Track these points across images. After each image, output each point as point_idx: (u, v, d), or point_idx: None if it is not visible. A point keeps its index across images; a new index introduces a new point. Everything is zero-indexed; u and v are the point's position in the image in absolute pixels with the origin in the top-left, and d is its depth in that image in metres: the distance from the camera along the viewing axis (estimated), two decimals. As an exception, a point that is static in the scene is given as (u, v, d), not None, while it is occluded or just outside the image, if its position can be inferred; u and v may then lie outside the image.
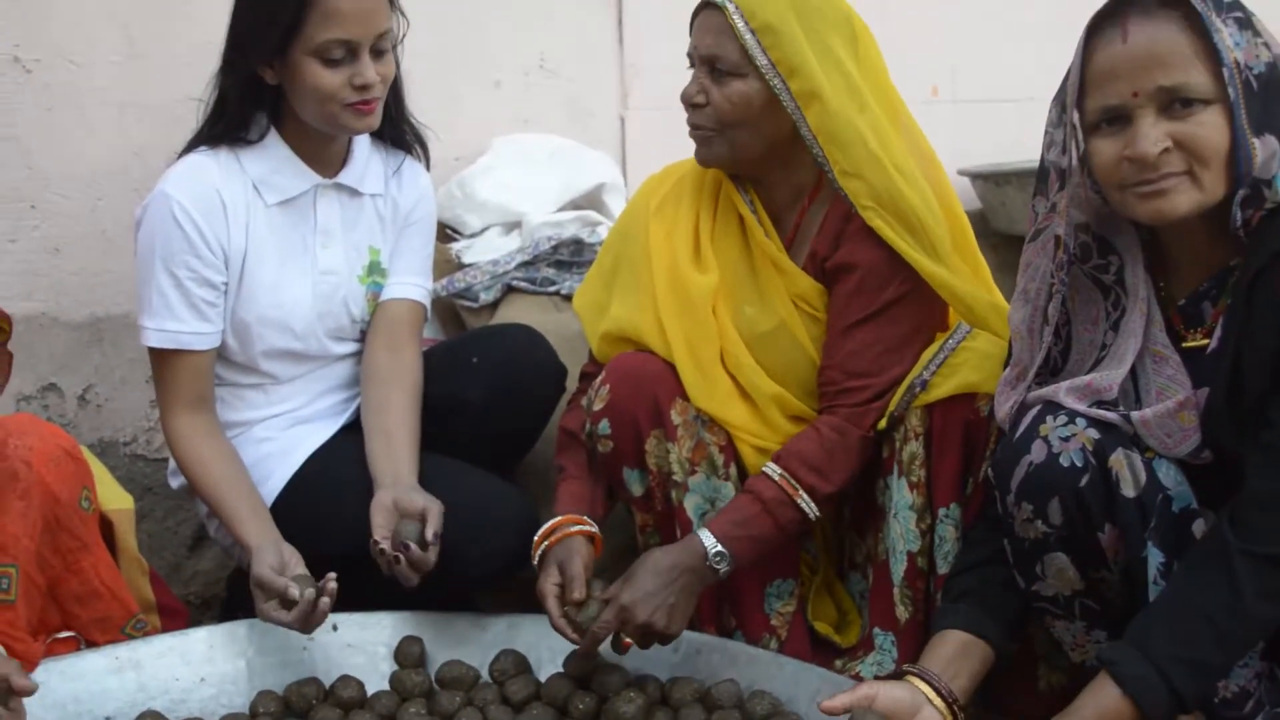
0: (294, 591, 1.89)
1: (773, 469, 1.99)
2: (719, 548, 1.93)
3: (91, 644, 1.99)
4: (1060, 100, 1.72)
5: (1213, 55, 1.57)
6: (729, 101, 2.01)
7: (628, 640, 1.91)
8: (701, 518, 2.06)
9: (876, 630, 2.06)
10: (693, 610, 1.95)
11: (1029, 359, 1.80)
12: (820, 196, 2.10)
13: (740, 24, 1.99)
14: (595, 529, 2.04)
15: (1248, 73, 1.58)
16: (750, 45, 1.99)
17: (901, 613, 2.02)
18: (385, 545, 1.96)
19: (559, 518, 2.04)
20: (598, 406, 2.07)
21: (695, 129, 2.07)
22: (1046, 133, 1.75)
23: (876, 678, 1.95)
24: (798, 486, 1.97)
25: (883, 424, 2.01)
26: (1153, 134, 1.58)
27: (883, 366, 2.02)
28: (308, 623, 1.92)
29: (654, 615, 1.87)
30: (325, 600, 1.91)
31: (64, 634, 1.98)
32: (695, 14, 2.07)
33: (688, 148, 2.12)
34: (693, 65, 2.07)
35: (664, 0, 3.20)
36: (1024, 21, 3.92)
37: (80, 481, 1.94)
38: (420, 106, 2.33)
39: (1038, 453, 1.69)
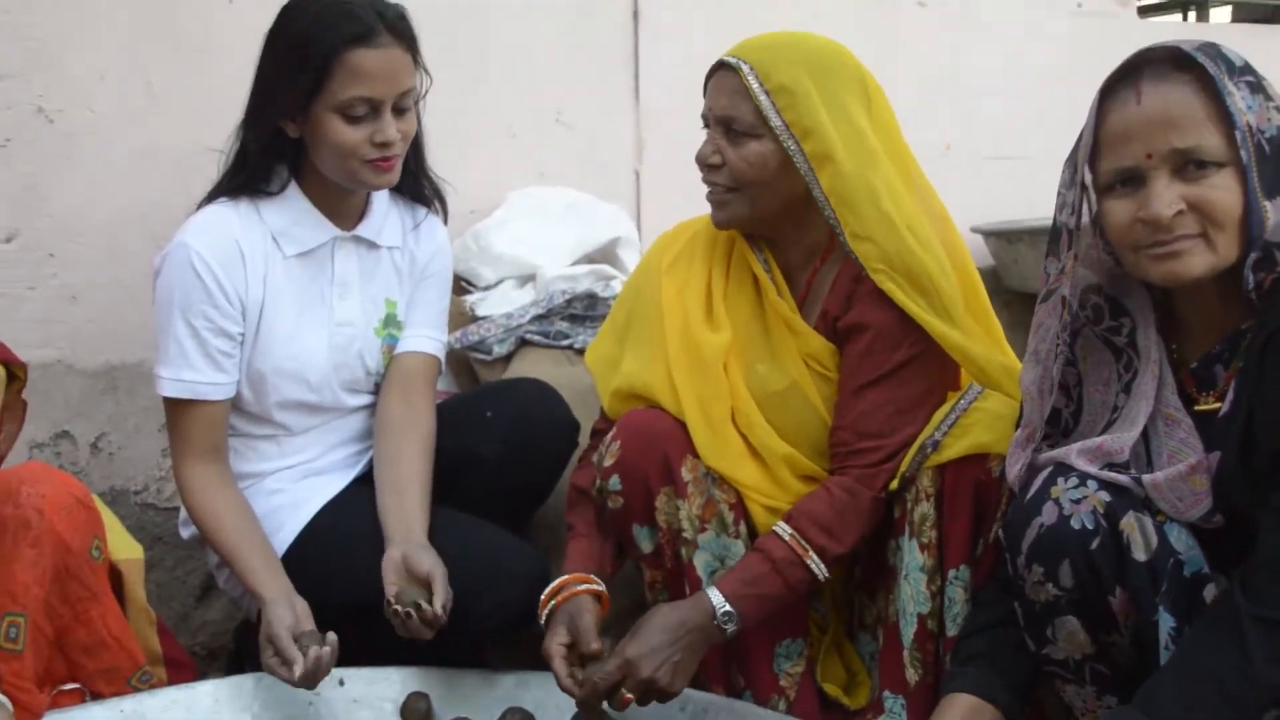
0: (298, 669, 1.89)
1: (783, 529, 1.98)
2: (727, 607, 1.92)
3: (97, 696, 1.98)
4: (1073, 161, 1.73)
5: (1225, 118, 1.58)
6: (745, 162, 2.03)
7: (628, 695, 1.89)
8: (711, 575, 2.05)
9: (886, 693, 2.03)
10: (695, 668, 1.94)
11: (1038, 420, 1.80)
12: (833, 256, 2.11)
13: (755, 85, 2.00)
14: (602, 587, 2.03)
15: (1260, 136, 1.59)
16: (765, 106, 2.00)
17: (911, 675, 2.00)
18: (397, 606, 1.95)
19: (565, 576, 2.03)
20: (608, 462, 2.07)
21: (711, 190, 2.08)
22: (1059, 193, 1.76)
23: (886, 740, 1.93)
24: (808, 547, 1.96)
25: (894, 485, 2.00)
26: (1167, 196, 1.59)
27: (894, 428, 2.02)
28: (311, 680, 1.92)
29: (658, 671, 1.86)
30: (327, 650, 1.91)
31: (69, 685, 1.97)
32: (710, 75, 2.09)
33: (703, 203, 2.12)
34: (707, 126, 2.08)
35: (681, 55, 3.25)
36: (1037, 79, 3.95)
37: (91, 530, 1.94)
38: (436, 158, 2.35)
39: (1049, 515, 1.68)
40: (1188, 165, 1.59)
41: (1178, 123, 1.59)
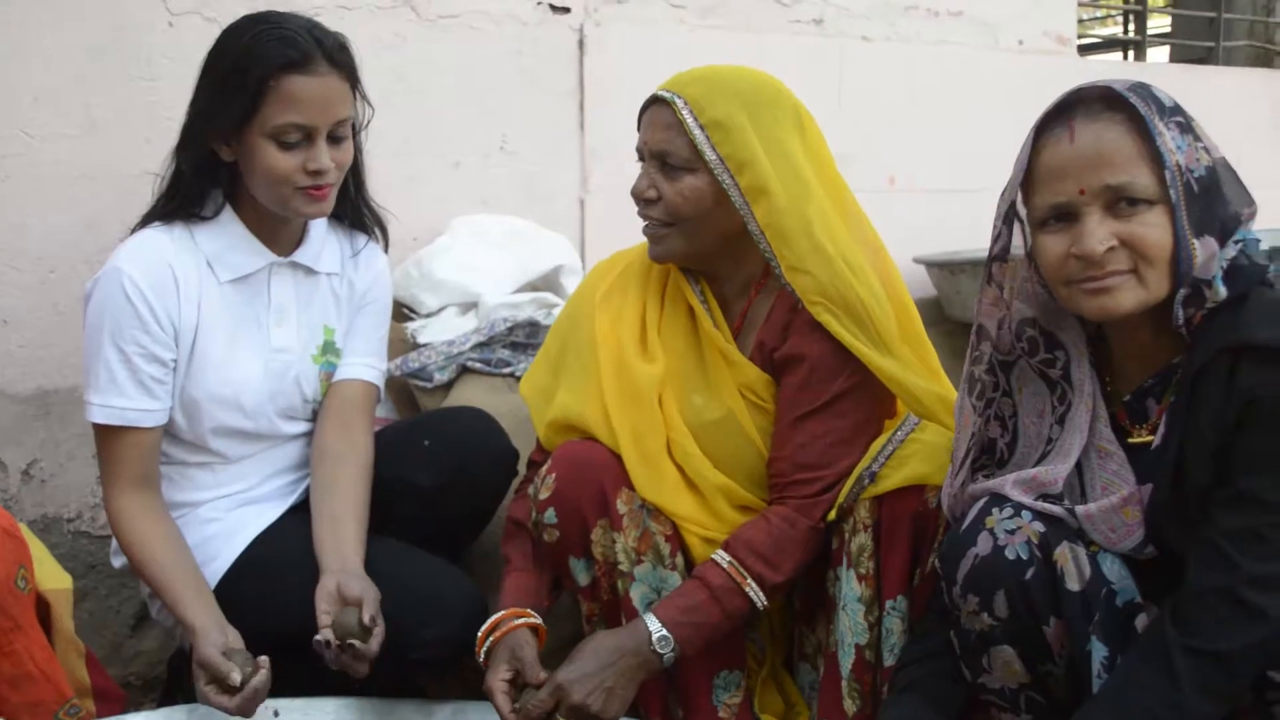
0: (235, 677, 1.86)
1: (721, 556, 1.98)
2: (664, 632, 1.92)
3: (23, 729, 1.94)
4: (1005, 195, 1.75)
5: (1156, 158, 1.62)
6: (680, 196, 2.03)
7: None
8: (648, 607, 2.03)
9: (825, 723, 2.04)
10: (632, 697, 1.93)
11: (960, 449, 1.83)
12: (767, 286, 2.11)
13: (690, 119, 2.01)
14: (539, 620, 2.02)
15: (1189, 175, 1.62)
16: (700, 141, 2.01)
17: (849, 706, 2.00)
18: (329, 636, 1.93)
19: (502, 612, 2.01)
20: (543, 495, 2.06)
21: (647, 224, 2.08)
22: (994, 225, 1.78)
23: (823, 771, 1.93)
24: (746, 575, 1.96)
25: (832, 515, 2.01)
26: (1099, 232, 1.61)
27: (832, 459, 2.02)
28: (249, 707, 1.89)
29: (589, 697, 1.86)
30: (262, 674, 1.88)
31: (-7, 719, 1.93)
32: (644, 108, 2.09)
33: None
34: (642, 159, 2.09)
35: (626, 86, 3.25)
36: (980, 114, 4.01)
37: (16, 560, 1.89)
38: (379, 186, 2.34)
39: (983, 545, 1.70)
40: (1119, 202, 1.62)
41: (1110, 160, 1.62)
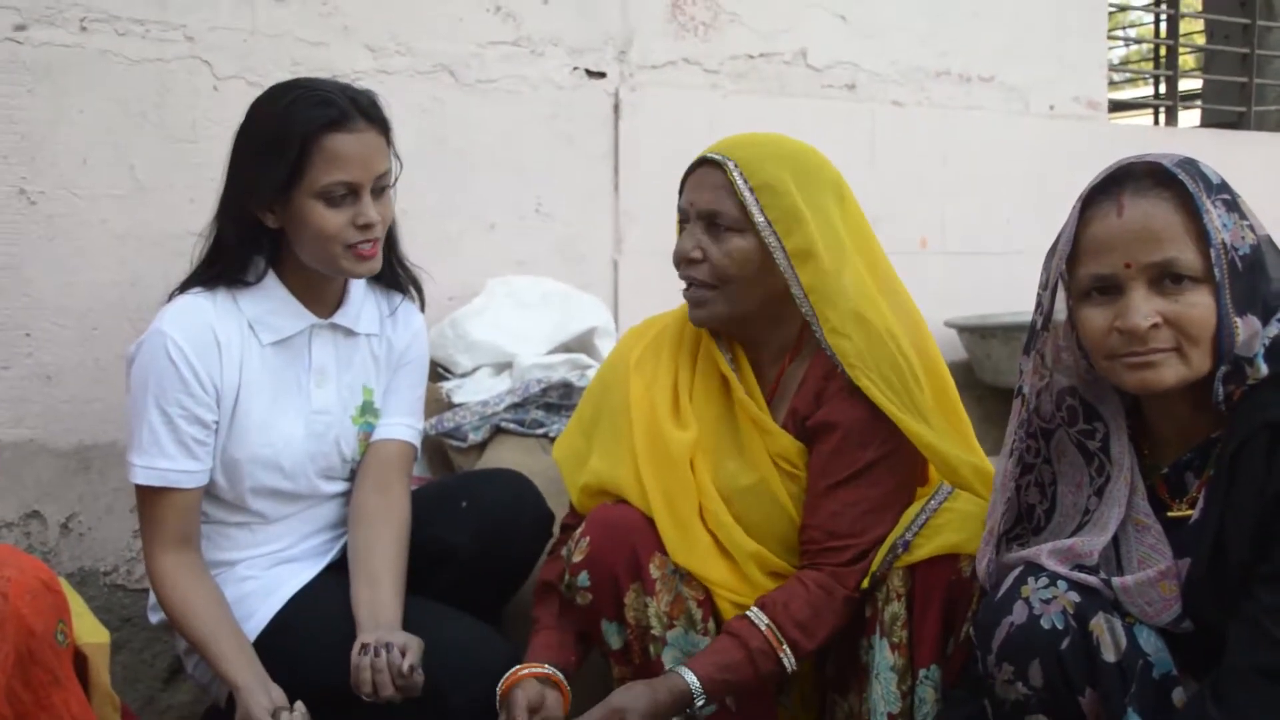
0: None
1: (760, 617, 1.98)
2: (704, 698, 1.92)
3: (59, 782, 1.94)
4: (1049, 263, 1.77)
5: (1202, 235, 1.63)
6: (729, 258, 2.04)
7: None
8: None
9: (859, 792, 2.03)
10: None
11: (995, 516, 1.83)
12: (802, 353, 2.13)
13: (740, 181, 2.03)
14: (552, 671, 2.02)
15: (1234, 254, 1.63)
16: (750, 202, 2.02)
17: (882, 774, 1.99)
18: (369, 641, 1.95)
19: (518, 667, 2.02)
20: (577, 558, 2.07)
21: (689, 286, 2.09)
22: (1038, 294, 1.79)
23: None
24: (783, 641, 1.96)
25: (865, 584, 2.01)
26: (1144, 308, 1.62)
27: (865, 527, 2.03)
28: None
29: None
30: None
31: (33, 772, 1.94)
32: (691, 170, 2.11)
33: (680, 294, 2.14)
34: (686, 221, 2.10)
35: (660, 150, 3.31)
36: (1011, 177, 4.04)
37: (57, 614, 1.90)
38: (416, 246, 2.38)
39: (1019, 614, 1.69)
40: (1164, 279, 1.63)
41: (1158, 236, 1.63)
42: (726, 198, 2.04)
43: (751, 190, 2.03)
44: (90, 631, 2.08)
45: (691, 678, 1.93)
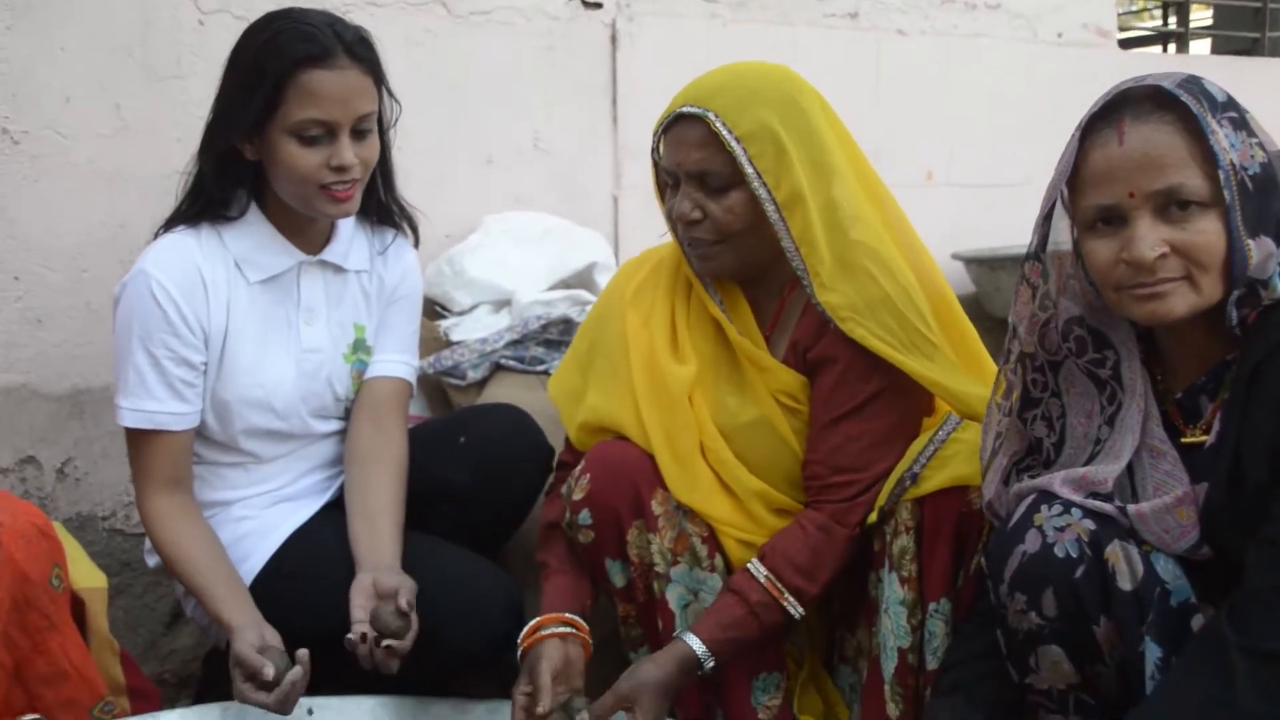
0: (269, 672, 1.85)
1: (758, 569, 1.95)
2: (712, 661, 1.92)
3: (57, 727, 1.93)
4: (1049, 194, 1.71)
5: (1209, 157, 1.56)
6: (730, 214, 1.97)
7: None
8: (684, 609, 2.02)
9: (869, 728, 2.01)
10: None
11: (987, 448, 1.80)
12: (800, 284, 2.05)
13: (726, 134, 1.93)
14: (576, 626, 2.00)
15: (1243, 174, 1.57)
16: (739, 155, 1.93)
17: (892, 710, 1.97)
18: (364, 630, 1.91)
19: (540, 617, 1.99)
20: (577, 496, 2.03)
21: (693, 244, 2.02)
22: (1035, 225, 1.74)
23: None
24: (784, 590, 1.94)
25: (872, 518, 1.97)
26: (1150, 238, 1.57)
27: (869, 461, 1.98)
28: (286, 704, 1.87)
29: None
30: (298, 670, 1.86)
31: (29, 716, 1.91)
32: (668, 126, 2.00)
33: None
34: (673, 184, 2.01)
35: (660, 82, 3.22)
36: (1018, 108, 3.97)
37: (51, 559, 1.89)
38: (412, 183, 2.33)
39: (1032, 542, 1.66)
40: (1170, 206, 1.57)
41: (1161, 162, 1.57)
42: (715, 155, 1.95)
43: (739, 141, 1.93)
44: (86, 576, 2.07)
45: (696, 642, 1.91)
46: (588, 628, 2.02)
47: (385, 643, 1.90)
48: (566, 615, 2.00)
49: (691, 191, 1.98)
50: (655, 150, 2.06)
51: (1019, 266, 1.79)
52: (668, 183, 2.04)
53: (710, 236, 1.99)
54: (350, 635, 1.92)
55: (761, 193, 1.95)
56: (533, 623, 1.99)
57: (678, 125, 1.98)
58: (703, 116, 1.94)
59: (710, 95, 1.96)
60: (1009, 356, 1.80)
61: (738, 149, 1.93)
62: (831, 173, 1.97)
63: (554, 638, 1.96)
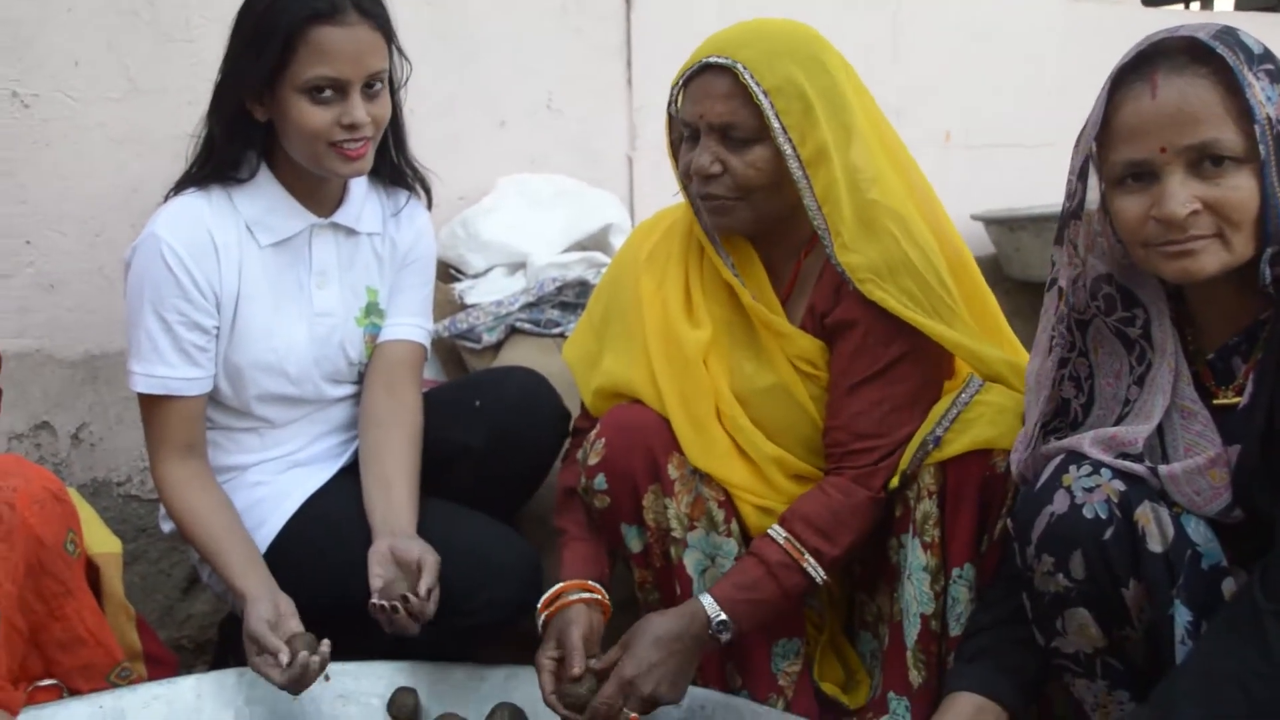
0: (284, 656, 1.84)
1: (777, 532, 1.93)
2: (722, 615, 1.87)
3: (75, 692, 1.92)
4: (1079, 148, 1.67)
5: (1244, 112, 1.52)
6: (753, 169, 1.92)
7: (634, 716, 1.85)
8: (702, 574, 2.00)
9: (891, 694, 1.98)
10: (693, 674, 1.90)
11: (1034, 415, 1.76)
12: (817, 246, 2.02)
13: (755, 86, 1.89)
14: (600, 595, 1.97)
15: (1279, 128, 1.53)
16: (766, 109, 1.89)
17: (915, 677, 1.95)
18: (382, 602, 1.90)
19: (561, 584, 1.97)
20: (593, 461, 2.01)
21: (709, 199, 1.97)
22: (1068, 180, 1.70)
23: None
24: (803, 551, 1.91)
25: (894, 482, 1.94)
26: (1181, 194, 1.53)
27: (891, 426, 1.95)
28: (298, 685, 1.86)
29: (658, 687, 1.83)
30: (316, 660, 1.85)
31: (46, 682, 1.92)
32: (692, 76, 1.95)
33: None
34: (692, 134, 1.97)
35: (674, 42, 3.18)
36: (1037, 68, 3.92)
37: (66, 524, 1.88)
38: (424, 145, 2.30)
39: (1060, 503, 1.63)
40: (1204, 161, 1.53)
41: (1195, 118, 1.53)
42: (741, 107, 1.90)
43: (766, 94, 1.89)
44: (101, 541, 2.07)
45: (708, 599, 1.88)
46: (607, 595, 2.00)
47: (405, 596, 1.88)
48: (589, 583, 1.98)
49: (712, 145, 1.94)
50: (673, 103, 2.02)
51: (1050, 227, 1.74)
52: (685, 135, 2.00)
53: (728, 192, 1.95)
54: (376, 600, 1.90)
55: (786, 148, 1.91)
56: (554, 589, 1.97)
57: (702, 76, 1.94)
58: (731, 67, 1.90)
59: (738, 47, 1.92)
60: (1062, 319, 1.75)
61: (765, 102, 1.89)
62: (855, 133, 1.94)
63: (579, 603, 1.94)
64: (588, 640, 1.90)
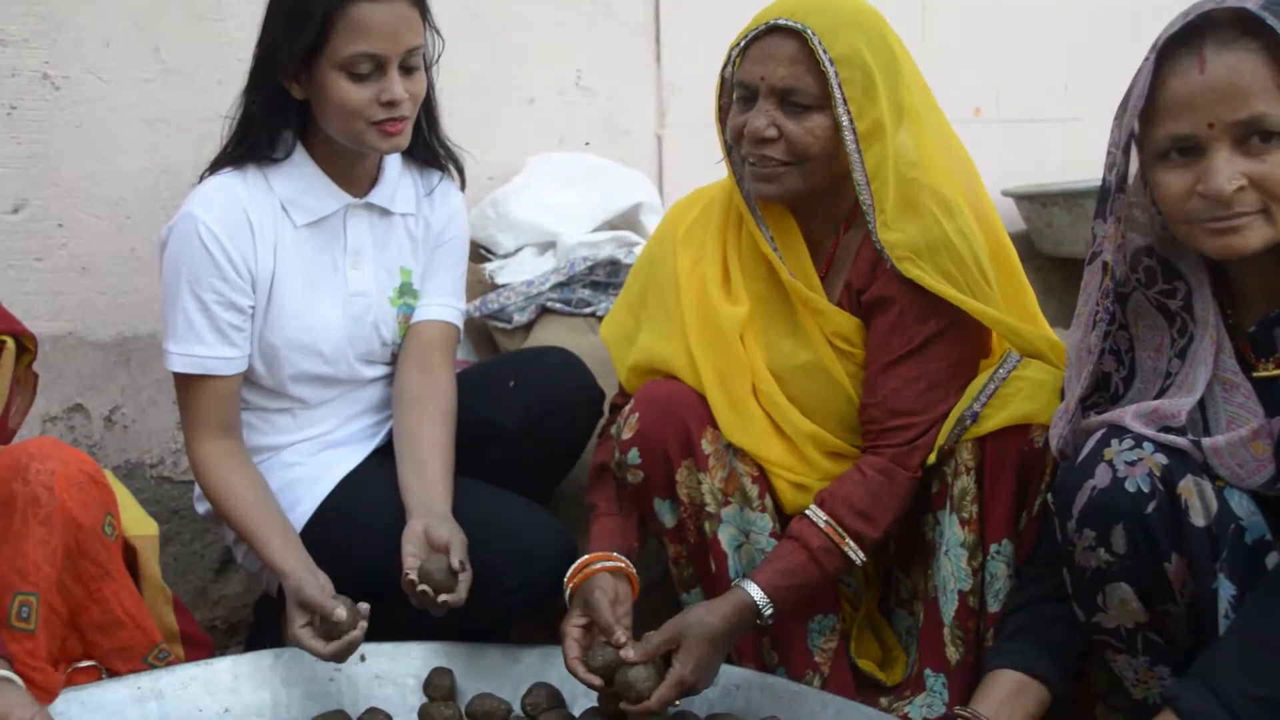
0: (340, 612, 1.85)
1: (818, 515, 1.91)
2: (771, 608, 1.87)
3: (113, 674, 1.94)
4: (1121, 120, 1.64)
5: None
6: (811, 135, 1.90)
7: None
8: (737, 550, 2.00)
9: (927, 671, 1.97)
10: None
11: (1075, 388, 1.74)
12: (857, 222, 2.01)
13: (822, 53, 1.87)
14: (625, 563, 1.97)
15: None
16: (831, 77, 1.87)
17: (952, 654, 1.94)
18: (414, 577, 1.90)
19: (586, 556, 1.97)
20: (626, 435, 2.00)
21: (760, 162, 1.95)
22: (1109, 152, 1.67)
23: (926, 720, 1.89)
24: (845, 535, 1.90)
25: (932, 458, 1.93)
26: (1228, 170, 1.51)
27: (928, 404, 1.94)
28: (342, 654, 1.87)
29: (710, 681, 1.86)
30: (358, 634, 1.86)
31: (85, 663, 1.94)
32: (756, 37, 1.93)
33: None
34: (747, 99, 1.94)
35: (703, 19, 3.19)
36: (1068, 42, 3.87)
37: (103, 507, 1.89)
38: (454, 124, 2.29)
39: (1102, 477, 1.61)
40: (1252, 137, 1.51)
41: (1244, 93, 1.50)
42: (806, 72, 1.88)
43: (833, 63, 1.87)
44: (138, 523, 2.08)
45: (754, 589, 1.87)
46: (633, 567, 1.99)
47: (441, 598, 1.89)
48: (614, 554, 1.97)
49: (770, 109, 1.91)
50: (729, 64, 2.00)
51: (1082, 203, 1.72)
52: (737, 98, 1.98)
53: (782, 156, 1.93)
54: (410, 576, 1.90)
55: (844, 120, 1.89)
56: (579, 561, 1.97)
57: (768, 37, 1.92)
58: (801, 31, 1.88)
59: (808, 12, 1.90)
60: (1107, 293, 1.72)
61: (830, 70, 1.87)
62: (908, 112, 1.93)
63: (604, 571, 1.94)
64: (614, 606, 1.90)
